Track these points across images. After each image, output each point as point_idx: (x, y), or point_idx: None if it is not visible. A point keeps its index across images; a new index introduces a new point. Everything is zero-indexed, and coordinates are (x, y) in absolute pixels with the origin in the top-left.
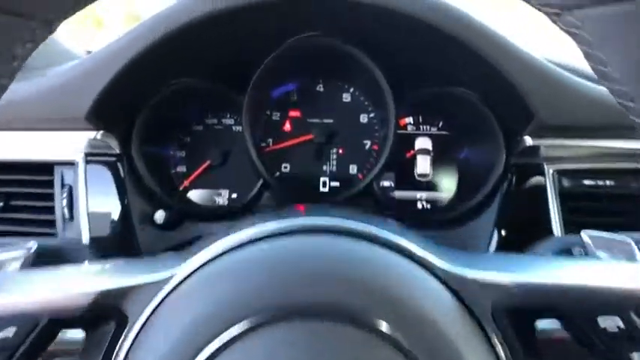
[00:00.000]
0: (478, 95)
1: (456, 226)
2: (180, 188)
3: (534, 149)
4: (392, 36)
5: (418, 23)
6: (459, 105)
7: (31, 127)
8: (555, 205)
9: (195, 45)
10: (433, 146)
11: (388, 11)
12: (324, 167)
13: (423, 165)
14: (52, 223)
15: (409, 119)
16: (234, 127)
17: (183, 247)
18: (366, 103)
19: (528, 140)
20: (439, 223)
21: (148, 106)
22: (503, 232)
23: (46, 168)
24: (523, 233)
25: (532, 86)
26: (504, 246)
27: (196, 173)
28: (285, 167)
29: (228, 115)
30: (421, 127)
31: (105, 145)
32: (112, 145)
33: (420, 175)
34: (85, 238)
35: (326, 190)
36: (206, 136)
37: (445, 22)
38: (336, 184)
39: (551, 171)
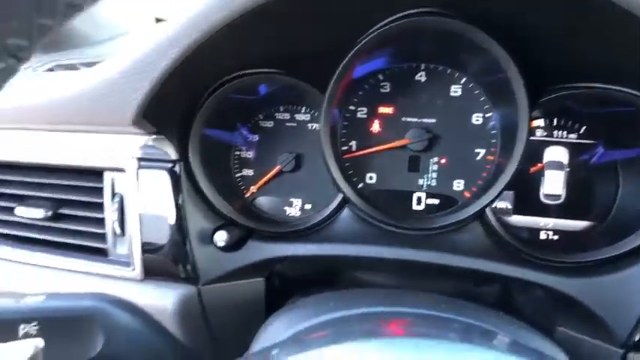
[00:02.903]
0: None
1: (598, 272)
2: (247, 195)
3: None
4: (533, 15)
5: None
6: (616, 108)
7: (78, 130)
8: None
9: (263, 28)
10: (570, 159)
11: None
12: (420, 181)
13: (553, 183)
14: (102, 237)
15: (539, 122)
16: (309, 125)
17: (246, 272)
18: (482, 98)
19: None
20: (570, 266)
21: (206, 104)
22: None
23: (95, 174)
24: None
25: None
26: None
27: (265, 179)
28: (371, 178)
29: (303, 110)
30: (555, 132)
31: (159, 150)
32: (167, 150)
33: (548, 197)
34: (137, 260)
35: (420, 208)
36: (277, 134)
37: None
38: (434, 201)
39: None
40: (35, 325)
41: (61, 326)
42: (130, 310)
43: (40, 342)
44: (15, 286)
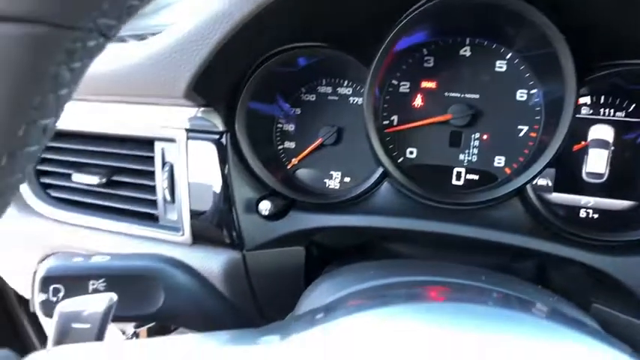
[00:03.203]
0: None
1: (637, 251)
2: (289, 167)
3: None
4: None
5: None
6: None
7: (131, 101)
8: None
9: (312, 1)
10: (615, 138)
11: None
12: (461, 156)
13: (596, 161)
14: (153, 203)
15: (585, 99)
16: (351, 99)
17: (288, 240)
18: (528, 74)
19: None
20: (609, 244)
21: (253, 77)
22: None
23: (147, 143)
24: None
25: None
26: None
27: (306, 151)
28: (412, 152)
29: (345, 84)
30: (601, 110)
31: (207, 122)
32: (215, 122)
33: (591, 175)
34: (186, 226)
35: (460, 182)
36: (318, 107)
37: None
38: (473, 177)
39: None
40: (103, 282)
41: (125, 283)
42: (186, 271)
43: (114, 296)
44: (73, 247)
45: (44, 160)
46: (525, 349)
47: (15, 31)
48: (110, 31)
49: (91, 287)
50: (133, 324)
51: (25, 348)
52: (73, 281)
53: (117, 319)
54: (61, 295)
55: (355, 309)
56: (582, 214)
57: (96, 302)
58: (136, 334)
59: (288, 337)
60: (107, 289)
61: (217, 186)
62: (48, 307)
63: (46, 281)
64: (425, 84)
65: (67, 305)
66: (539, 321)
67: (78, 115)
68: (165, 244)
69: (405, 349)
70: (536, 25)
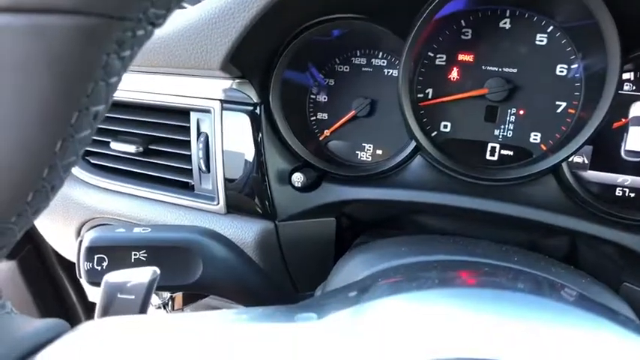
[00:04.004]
0: None
1: None
2: (321, 138)
3: None
4: None
5: None
6: None
7: (168, 72)
8: None
9: None
10: None
11: None
12: (496, 131)
13: (637, 139)
14: (189, 172)
15: (628, 75)
16: (385, 70)
17: (319, 211)
18: (569, 49)
19: None
20: None
21: (288, 50)
22: None
23: (182, 113)
24: None
25: None
26: None
27: (339, 123)
28: (445, 127)
29: (380, 55)
30: None
31: (242, 93)
32: (250, 93)
33: (630, 153)
34: (221, 196)
35: (494, 158)
36: (352, 78)
37: None
38: (508, 152)
39: None
40: (144, 253)
41: (165, 254)
42: (224, 242)
43: (157, 269)
44: (112, 212)
45: None
46: (556, 338)
47: (66, 23)
48: (158, 20)
49: (133, 257)
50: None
51: (68, 312)
52: (116, 251)
53: (158, 288)
54: (105, 264)
55: (388, 291)
56: (618, 192)
57: (140, 275)
58: (172, 298)
59: (324, 317)
60: (148, 260)
61: (251, 157)
62: (93, 275)
63: (91, 251)
64: (462, 57)
65: (114, 276)
66: (572, 309)
67: None
68: (201, 212)
69: (435, 334)
70: None
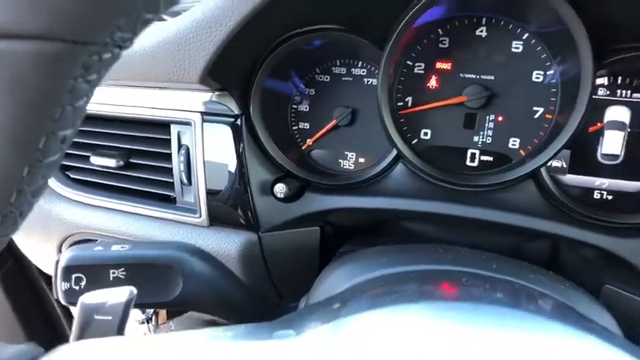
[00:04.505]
0: None
1: None
2: (303, 148)
3: None
4: None
5: None
6: None
7: (147, 85)
8: None
9: None
10: (631, 119)
11: None
12: (475, 138)
13: (612, 143)
14: (170, 185)
15: (602, 80)
16: (365, 80)
17: (303, 221)
18: (544, 55)
19: None
20: (621, 226)
21: (267, 62)
22: None
23: (163, 126)
24: None
25: None
26: None
27: (321, 132)
28: (426, 134)
29: (360, 64)
30: (618, 91)
31: (222, 105)
32: (230, 105)
33: (606, 156)
34: (203, 208)
35: (474, 164)
36: (333, 88)
37: None
38: (488, 158)
39: None
40: (123, 271)
41: (144, 271)
42: (204, 257)
43: (134, 289)
44: (93, 228)
45: None
46: (531, 352)
47: (29, 48)
48: (125, 43)
49: (111, 276)
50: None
51: (54, 327)
52: (95, 270)
53: (137, 305)
54: (83, 283)
55: (366, 305)
56: (596, 195)
57: (117, 295)
58: (156, 313)
59: (302, 333)
60: (127, 278)
61: (233, 168)
62: (71, 296)
63: (68, 270)
64: (440, 65)
65: (90, 297)
66: (549, 323)
67: (95, 98)
68: (183, 225)
69: (411, 350)
70: (550, 3)
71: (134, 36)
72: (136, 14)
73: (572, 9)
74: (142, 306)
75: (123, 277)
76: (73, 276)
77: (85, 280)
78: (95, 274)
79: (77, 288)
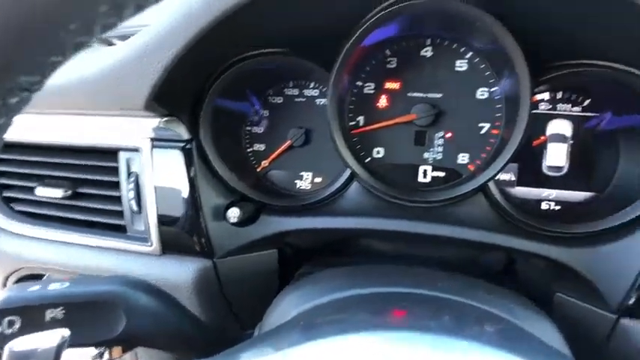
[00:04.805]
0: None
1: (597, 242)
2: (258, 170)
3: None
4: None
5: None
6: (615, 86)
7: (92, 113)
8: None
9: (273, 8)
10: (573, 131)
11: None
12: (426, 154)
13: (556, 155)
14: (120, 214)
15: (543, 95)
16: (317, 100)
17: (260, 244)
18: (488, 73)
19: None
20: (568, 237)
21: (215, 86)
22: None
23: (111, 153)
24: None
25: None
26: None
27: (276, 153)
28: (378, 152)
29: (312, 85)
30: (558, 106)
31: (171, 131)
32: (179, 130)
33: (551, 168)
34: (154, 236)
35: (427, 180)
36: (286, 109)
37: None
38: (439, 174)
39: None
40: (61, 310)
41: (84, 309)
42: (150, 291)
43: (65, 332)
44: (39, 261)
45: (5, 174)
46: None
47: None
48: (34, 86)
49: (48, 316)
50: None
51: None
52: (30, 311)
53: (78, 345)
54: (17, 326)
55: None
56: (544, 206)
57: (48, 339)
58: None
59: None
60: (65, 317)
61: (185, 194)
62: (2, 341)
63: (1, 314)
64: (389, 85)
65: (19, 344)
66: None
67: (39, 127)
68: (135, 255)
69: None
70: (485, 24)
71: (44, 79)
72: (40, 58)
73: (507, 29)
74: (83, 345)
75: (61, 316)
76: (6, 319)
77: (19, 322)
78: (30, 315)
79: (10, 331)
